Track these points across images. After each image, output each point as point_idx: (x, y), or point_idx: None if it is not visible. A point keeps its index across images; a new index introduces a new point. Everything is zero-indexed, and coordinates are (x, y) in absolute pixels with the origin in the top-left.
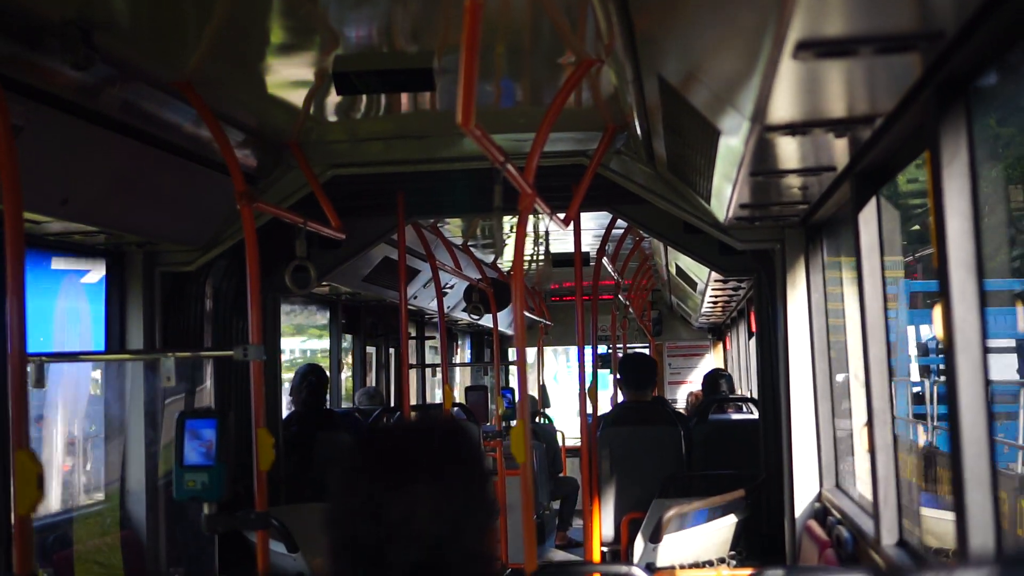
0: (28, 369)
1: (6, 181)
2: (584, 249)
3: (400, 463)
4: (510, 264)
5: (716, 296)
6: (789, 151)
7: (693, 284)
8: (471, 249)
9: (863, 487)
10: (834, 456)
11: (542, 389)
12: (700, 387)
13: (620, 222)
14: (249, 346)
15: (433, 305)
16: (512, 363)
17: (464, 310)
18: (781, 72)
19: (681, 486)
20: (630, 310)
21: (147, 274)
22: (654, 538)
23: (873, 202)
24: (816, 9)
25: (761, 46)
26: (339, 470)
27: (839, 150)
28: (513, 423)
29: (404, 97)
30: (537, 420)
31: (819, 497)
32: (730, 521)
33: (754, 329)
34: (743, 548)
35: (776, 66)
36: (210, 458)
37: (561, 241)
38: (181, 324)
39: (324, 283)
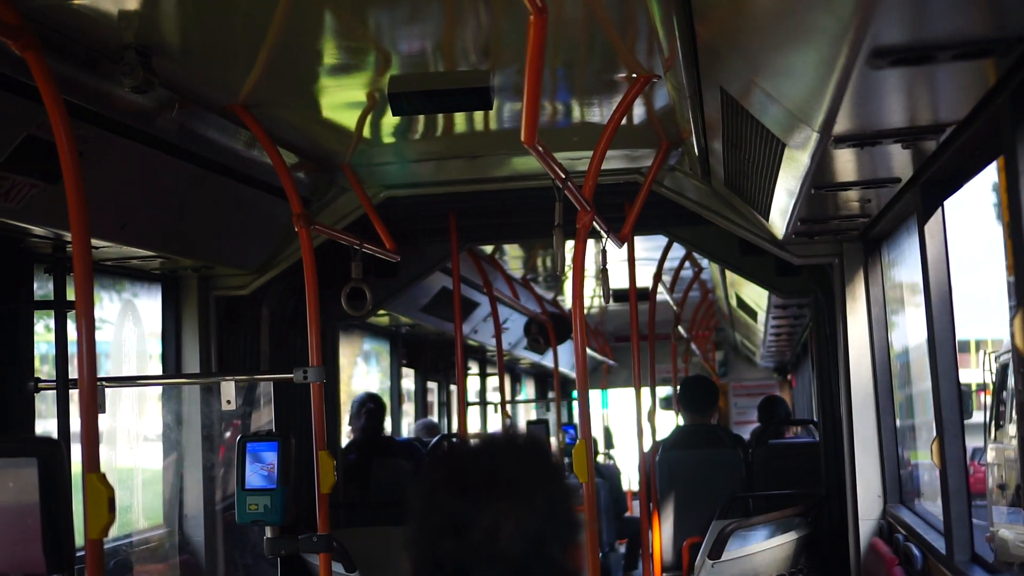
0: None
1: (73, 206)
2: (642, 284)
3: (483, 478)
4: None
5: (779, 326)
6: (855, 162)
7: (754, 314)
8: (530, 284)
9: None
10: (897, 473)
11: (606, 431)
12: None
13: (674, 251)
14: (309, 368)
15: (493, 341)
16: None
17: (525, 347)
18: (853, 81)
19: (741, 509)
20: (692, 345)
21: (202, 298)
22: (713, 554)
23: (939, 213)
24: (894, 15)
25: (834, 54)
26: (421, 487)
27: (905, 160)
28: None
29: (456, 117)
30: (601, 460)
31: (884, 514)
32: (790, 538)
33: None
34: (805, 566)
35: (849, 75)
36: (272, 481)
37: (615, 278)
38: (235, 348)
39: (383, 312)
